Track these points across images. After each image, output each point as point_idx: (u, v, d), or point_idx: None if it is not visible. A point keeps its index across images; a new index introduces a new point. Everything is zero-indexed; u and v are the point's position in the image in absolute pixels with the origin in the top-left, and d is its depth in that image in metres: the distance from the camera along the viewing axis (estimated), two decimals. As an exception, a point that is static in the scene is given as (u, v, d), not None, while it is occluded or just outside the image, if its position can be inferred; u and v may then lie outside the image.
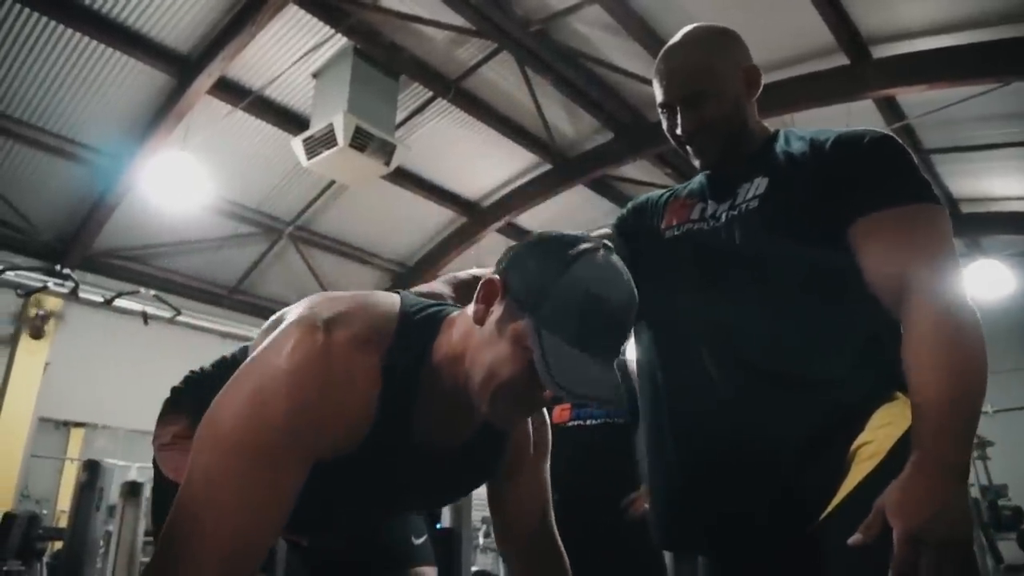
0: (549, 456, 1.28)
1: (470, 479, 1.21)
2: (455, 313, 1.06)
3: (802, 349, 1.10)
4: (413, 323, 1.02)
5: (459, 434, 1.10)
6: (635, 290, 1.00)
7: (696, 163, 1.31)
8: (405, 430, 1.01)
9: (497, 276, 0.99)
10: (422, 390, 1.01)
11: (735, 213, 1.21)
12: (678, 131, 1.27)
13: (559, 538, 1.28)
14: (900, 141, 1.16)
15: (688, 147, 1.28)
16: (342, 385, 0.93)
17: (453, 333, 1.02)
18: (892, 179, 1.11)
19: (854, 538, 0.88)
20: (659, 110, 1.30)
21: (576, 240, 0.99)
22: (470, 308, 1.01)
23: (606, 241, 1.02)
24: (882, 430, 1.02)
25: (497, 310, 0.97)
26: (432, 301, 1.10)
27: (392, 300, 1.05)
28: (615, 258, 1.00)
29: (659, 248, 1.29)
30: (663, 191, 1.43)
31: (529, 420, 1.22)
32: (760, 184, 1.20)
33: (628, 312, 0.98)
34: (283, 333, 0.96)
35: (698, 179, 1.37)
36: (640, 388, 1.33)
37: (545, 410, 1.27)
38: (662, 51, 1.30)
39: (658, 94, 1.29)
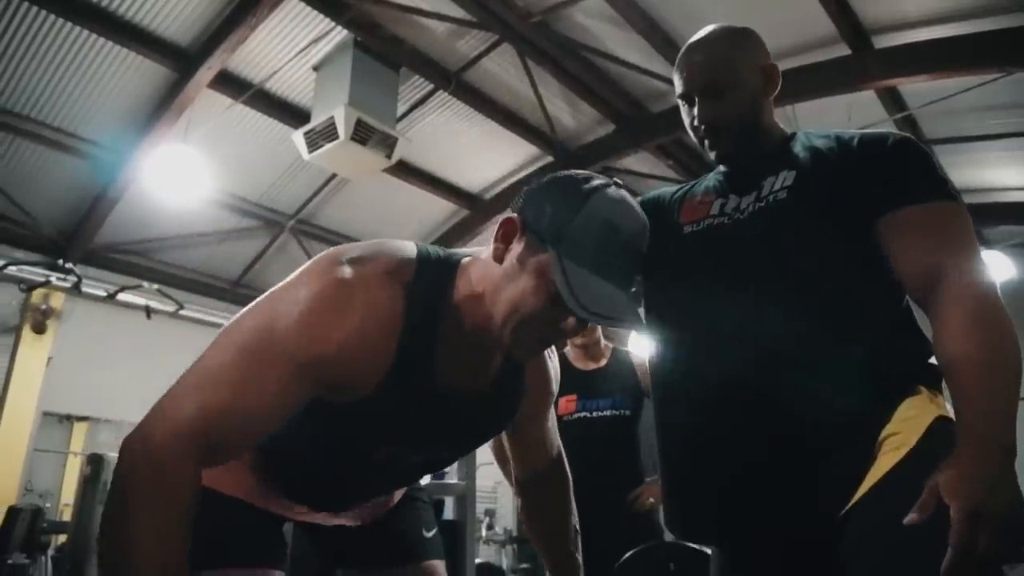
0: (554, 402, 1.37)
1: (491, 424, 1.24)
2: (468, 258, 1.09)
3: (832, 339, 1.12)
4: (431, 264, 1.06)
5: (479, 378, 1.13)
6: (647, 220, 1.05)
7: (711, 156, 1.32)
8: (428, 367, 1.04)
9: (515, 215, 1.02)
10: (444, 329, 1.03)
11: (762, 205, 1.22)
12: (695, 122, 1.29)
13: (570, 478, 1.43)
14: (920, 143, 1.21)
15: (704, 139, 1.30)
16: (363, 312, 0.96)
17: (471, 274, 1.05)
18: (918, 177, 1.15)
19: (909, 518, 0.90)
20: (679, 102, 1.33)
21: (588, 177, 1.04)
22: (486, 250, 1.05)
23: (616, 178, 1.06)
24: (908, 422, 1.04)
25: (516, 247, 1.01)
26: (444, 249, 1.13)
27: (408, 245, 1.08)
28: (625, 192, 1.04)
29: (678, 244, 1.30)
30: (674, 188, 1.44)
31: (547, 364, 1.28)
32: (787, 177, 1.22)
33: (642, 240, 1.03)
34: (306, 266, 1.01)
35: (713, 176, 1.38)
36: (657, 381, 1.33)
37: (553, 382, 1.34)
38: (684, 46, 1.33)
39: (678, 86, 1.31)
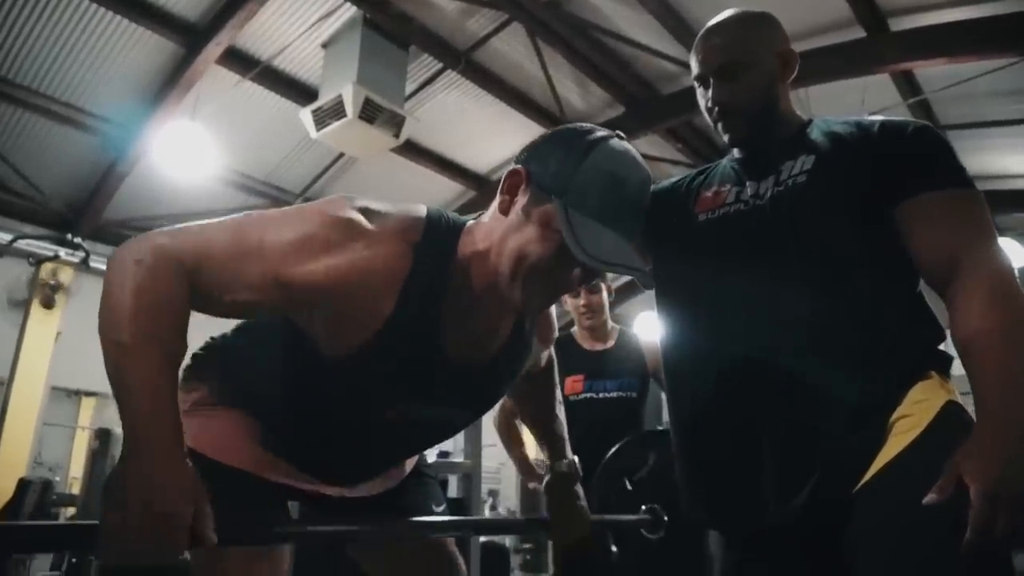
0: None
1: (499, 386, 1.26)
2: (473, 221, 1.10)
3: (846, 323, 1.12)
4: (439, 223, 1.07)
5: (489, 342, 1.14)
6: (649, 172, 1.05)
7: (725, 138, 1.31)
8: (432, 326, 1.04)
9: (520, 167, 1.03)
10: (450, 290, 1.04)
11: (781, 189, 1.22)
12: (709, 103, 1.28)
13: (555, 360, 1.53)
14: (938, 131, 1.22)
15: (718, 122, 1.30)
16: (364, 258, 0.97)
17: (476, 233, 1.06)
18: (937, 164, 1.16)
19: (928, 498, 0.91)
20: (695, 85, 1.33)
21: (592, 129, 1.04)
22: (490, 209, 1.06)
23: (618, 132, 1.07)
24: (920, 405, 1.05)
25: (522, 199, 1.01)
26: (452, 212, 1.14)
27: (419, 206, 1.10)
28: (628, 144, 1.05)
29: (694, 232, 1.31)
30: (689, 176, 1.44)
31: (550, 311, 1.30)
32: (806, 161, 1.22)
33: (645, 190, 1.03)
34: (321, 201, 1.03)
35: (728, 163, 1.37)
36: (670, 367, 1.33)
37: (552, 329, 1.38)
38: (702, 30, 1.33)
39: (694, 68, 1.31)
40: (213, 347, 1.32)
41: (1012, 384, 0.96)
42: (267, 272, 0.95)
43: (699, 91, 1.32)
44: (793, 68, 1.31)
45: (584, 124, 1.07)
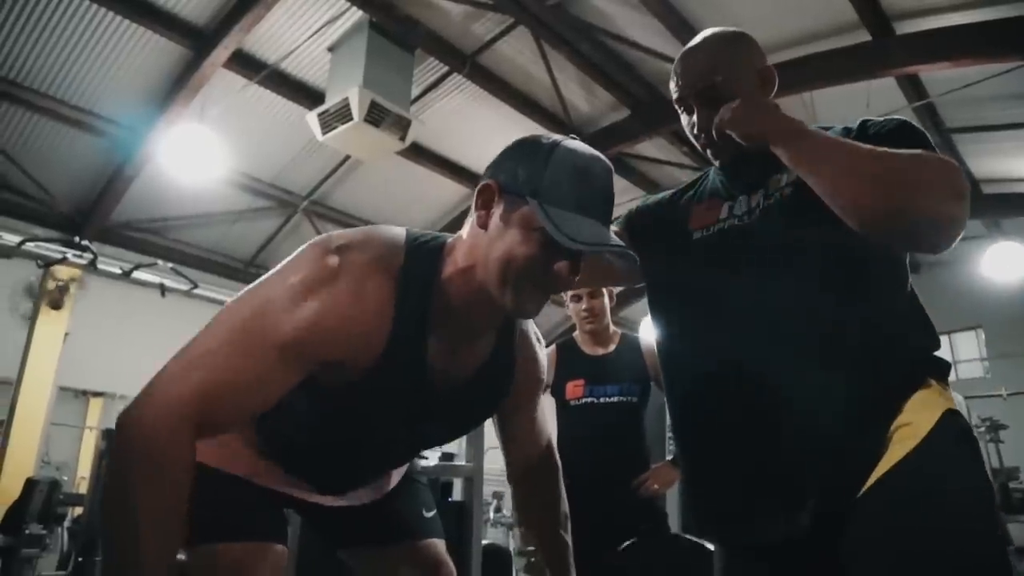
0: (541, 393, 1.42)
1: (484, 403, 1.28)
2: (452, 239, 1.13)
3: (846, 332, 1.11)
4: (420, 247, 1.10)
5: (471, 357, 1.17)
6: (609, 163, 1.10)
7: (716, 162, 1.32)
8: (421, 350, 1.08)
9: (490, 181, 1.07)
10: (435, 309, 1.08)
11: (770, 202, 1.22)
12: (695, 130, 1.29)
13: (559, 465, 1.48)
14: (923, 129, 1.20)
15: (707, 147, 1.29)
16: (353, 299, 1.01)
17: (458, 251, 1.10)
18: (910, 144, 1.12)
19: None
20: (677, 108, 1.32)
21: (545, 135, 1.10)
22: (467, 224, 1.09)
23: (571, 134, 1.12)
24: (919, 414, 1.05)
25: (498, 210, 1.05)
26: (431, 232, 1.17)
27: (398, 231, 1.13)
28: (580, 142, 1.10)
29: (691, 249, 1.30)
30: (677, 190, 1.44)
31: (535, 351, 1.31)
32: (791, 173, 1.21)
33: (610, 180, 1.08)
34: (297, 254, 1.06)
35: (715, 177, 1.37)
36: (670, 380, 1.34)
37: (548, 390, 1.33)
38: (679, 54, 1.33)
39: (674, 92, 1.31)
40: None
41: (827, 146, 1.05)
42: (269, 362, 0.98)
43: (682, 115, 1.32)
44: (773, 85, 1.30)
45: (538, 134, 1.12)
